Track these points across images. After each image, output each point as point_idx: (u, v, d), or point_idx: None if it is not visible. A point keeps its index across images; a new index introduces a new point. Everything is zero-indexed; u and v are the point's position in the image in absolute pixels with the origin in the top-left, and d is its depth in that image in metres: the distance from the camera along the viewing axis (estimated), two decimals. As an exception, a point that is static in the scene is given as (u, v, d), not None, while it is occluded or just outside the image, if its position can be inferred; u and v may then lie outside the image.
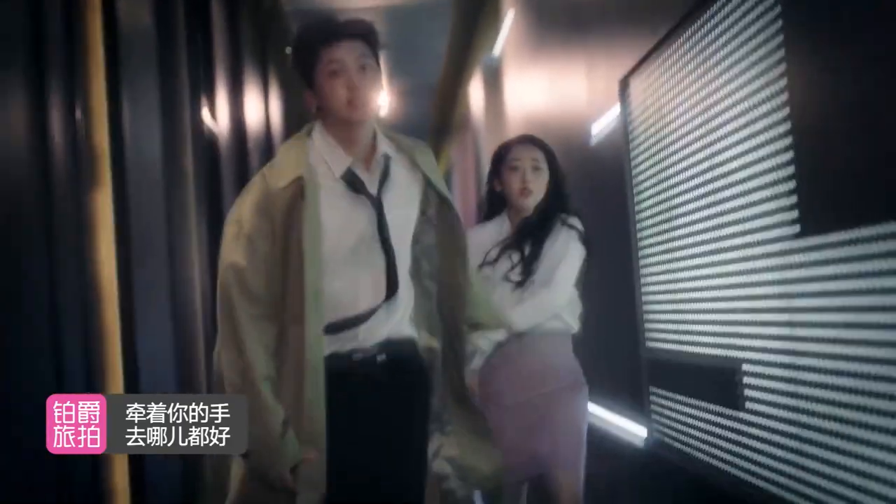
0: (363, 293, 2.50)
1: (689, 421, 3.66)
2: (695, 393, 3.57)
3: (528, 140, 3.59)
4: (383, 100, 14.10)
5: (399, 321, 2.55)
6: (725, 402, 3.22)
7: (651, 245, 4.04)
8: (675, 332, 3.78)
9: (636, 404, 4.36)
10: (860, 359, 2.32)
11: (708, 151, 3.27)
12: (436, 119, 16.19)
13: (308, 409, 2.40)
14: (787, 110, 2.62)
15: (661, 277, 3.93)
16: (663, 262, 3.89)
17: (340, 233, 2.49)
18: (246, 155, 8.30)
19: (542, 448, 3.35)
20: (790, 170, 2.62)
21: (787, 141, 2.62)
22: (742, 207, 2.97)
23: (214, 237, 6.11)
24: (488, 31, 10.02)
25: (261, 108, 9.82)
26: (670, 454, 3.88)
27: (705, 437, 3.49)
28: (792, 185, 2.60)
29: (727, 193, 3.10)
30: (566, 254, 3.39)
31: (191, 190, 5.62)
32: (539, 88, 7.32)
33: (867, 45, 2.20)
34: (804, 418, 2.65)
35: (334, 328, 2.47)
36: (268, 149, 9.77)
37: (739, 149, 2.97)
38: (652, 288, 4.08)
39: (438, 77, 13.49)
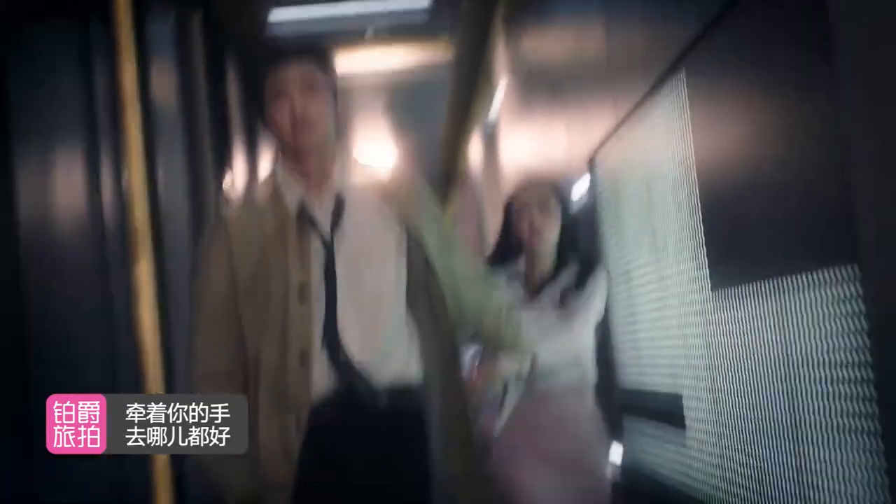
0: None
1: (651, 441, 4.30)
2: (653, 417, 4.21)
3: (533, 181, 3.59)
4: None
5: (402, 367, 2.42)
6: (674, 423, 3.86)
7: (618, 299, 4.68)
8: (637, 368, 4.42)
9: (615, 429, 4.98)
10: (764, 383, 2.96)
11: (650, 224, 3.92)
12: (440, 175, 16.89)
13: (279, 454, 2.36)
14: (697, 185, 3.28)
15: (626, 327, 4.57)
16: (627, 315, 4.53)
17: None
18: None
19: None
20: (700, 238, 3.28)
21: (696, 217, 3.28)
22: (675, 266, 3.63)
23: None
24: (483, 97, 10.73)
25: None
26: (640, 468, 4.52)
27: (661, 452, 4.13)
28: (702, 250, 3.26)
29: (666, 254, 3.74)
30: (590, 300, 3.37)
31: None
32: (528, 151, 8.01)
33: (758, 126, 2.84)
34: (725, 431, 3.28)
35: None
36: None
37: (670, 219, 3.62)
38: (620, 333, 4.71)
39: (440, 136, 14.19)
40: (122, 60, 4.83)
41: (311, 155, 2.42)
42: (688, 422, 3.69)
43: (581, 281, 3.40)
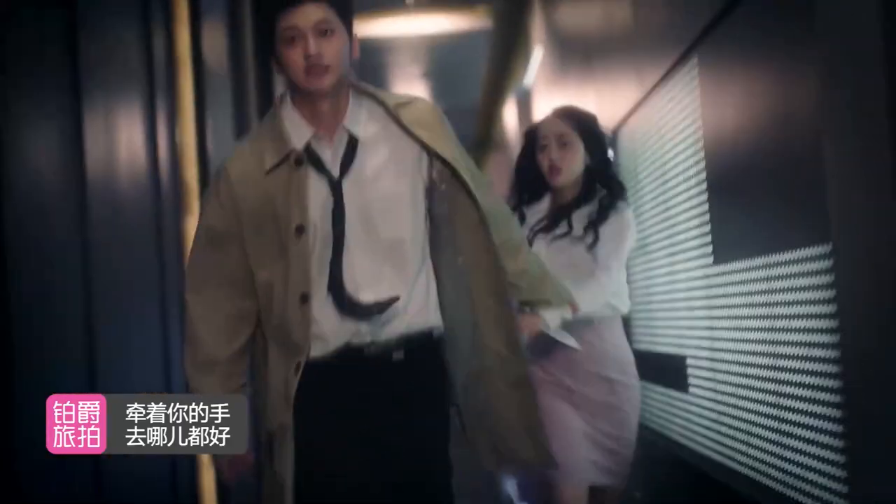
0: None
1: (658, 404, 4.62)
2: (660, 380, 4.53)
3: (555, 115, 3.36)
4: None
5: (417, 315, 2.35)
6: (677, 386, 4.18)
7: (633, 266, 4.97)
8: (650, 333, 4.74)
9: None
10: (757, 352, 3.27)
11: (661, 198, 4.22)
12: (475, 138, 17.17)
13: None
14: (703, 167, 3.57)
15: (640, 292, 4.87)
16: (641, 280, 4.83)
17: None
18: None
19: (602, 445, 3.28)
20: (706, 215, 3.58)
21: (704, 196, 3.58)
22: (685, 241, 3.93)
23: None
24: (519, 64, 10.99)
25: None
26: (648, 428, 4.84)
27: (663, 412, 4.44)
28: (707, 227, 3.56)
29: (677, 229, 4.04)
30: (621, 241, 3.24)
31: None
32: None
33: (753, 117, 3.11)
34: (721, 396, 3.60)
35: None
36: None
37: (681, 197, 3.92)
38: (636, 299, 5.01)
39: (477, 101, 14.45)
40: (178, 23, 5.16)
41: (323, 98, 2.32)
42: (690, 385, 4.00)
43: (604, 213, 3.24)
